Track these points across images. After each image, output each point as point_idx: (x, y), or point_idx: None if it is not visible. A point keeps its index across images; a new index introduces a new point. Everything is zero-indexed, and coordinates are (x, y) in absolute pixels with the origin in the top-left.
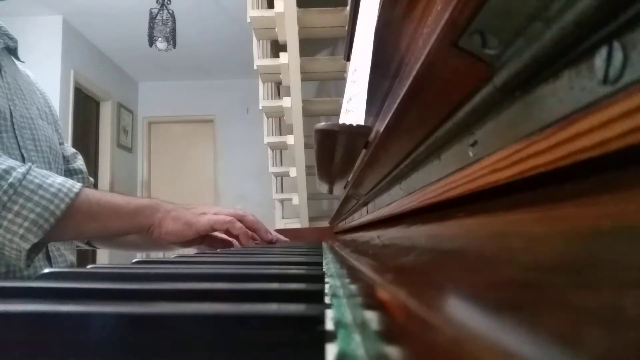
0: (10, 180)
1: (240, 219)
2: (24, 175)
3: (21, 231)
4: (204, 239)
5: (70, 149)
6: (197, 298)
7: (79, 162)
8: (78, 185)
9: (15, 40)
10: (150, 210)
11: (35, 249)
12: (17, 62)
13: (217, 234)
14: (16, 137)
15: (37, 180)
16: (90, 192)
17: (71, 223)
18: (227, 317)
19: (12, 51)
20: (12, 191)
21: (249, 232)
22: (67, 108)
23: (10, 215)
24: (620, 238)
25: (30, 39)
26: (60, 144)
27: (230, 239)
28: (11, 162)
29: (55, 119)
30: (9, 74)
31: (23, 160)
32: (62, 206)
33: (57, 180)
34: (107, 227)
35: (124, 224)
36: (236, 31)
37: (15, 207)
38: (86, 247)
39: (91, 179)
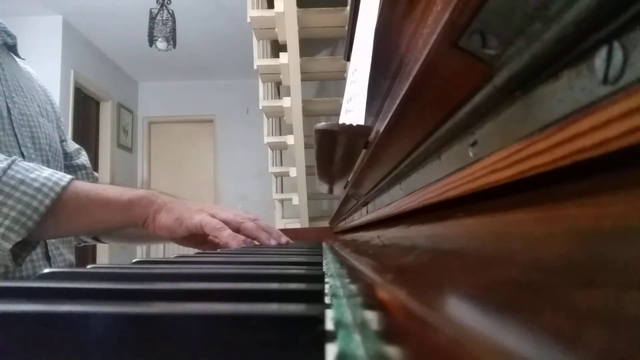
0: None
1: (237, 226)
2: (4, 171)
3: (1, 230)
4: (204, 242)
5: (73, 145)
6: (197, 298)
7: (83, 158)
8: (66, 178)
9: (14, 37)
10: (145, 201)
11: (26, 247)
12: (18, 59)
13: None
14: (15, 135)
15: (19, 176)
16: (80, 185)
17: (60, 219)
18: (227, 317)
19: (12, 48)
20: None
21: (240, 240)
22: (67, 108)
23: None
24: (620, 238)
25: (30, 39)
26: (63, 140)
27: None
28: None
29: (57, 115)
30: (7, 71)
31: (22, 158)
32: (47, 202)
33: (43, 174)
34: (100, 221)
35: (118, 217)
36: (236, 31)
37: None
38: (93, 242)
39: (96, 174)
